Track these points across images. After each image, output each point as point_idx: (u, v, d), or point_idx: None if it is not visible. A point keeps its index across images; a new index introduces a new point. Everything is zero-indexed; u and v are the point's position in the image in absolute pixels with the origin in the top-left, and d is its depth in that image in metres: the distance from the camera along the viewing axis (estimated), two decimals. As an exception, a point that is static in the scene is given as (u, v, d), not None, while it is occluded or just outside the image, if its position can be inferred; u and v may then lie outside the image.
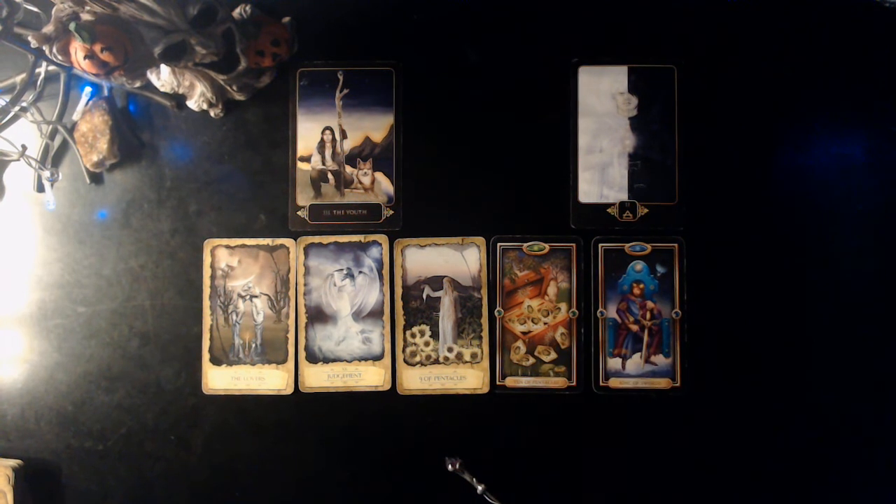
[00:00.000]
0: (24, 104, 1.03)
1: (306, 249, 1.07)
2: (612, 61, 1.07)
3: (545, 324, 1.07)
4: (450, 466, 1.03)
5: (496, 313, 1.07)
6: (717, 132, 1.07)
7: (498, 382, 1.06)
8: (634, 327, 1.06)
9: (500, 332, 1.07)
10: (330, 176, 1.08)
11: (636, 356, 1.06)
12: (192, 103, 1.05)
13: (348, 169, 1.08)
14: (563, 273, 1.07)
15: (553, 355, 1.07)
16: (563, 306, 1.07)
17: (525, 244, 1.07)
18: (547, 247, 1.07)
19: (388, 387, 1.07)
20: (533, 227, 1.07)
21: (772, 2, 1.07)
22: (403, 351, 1.07)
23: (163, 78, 1.02)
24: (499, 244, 1.07)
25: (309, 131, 1.08)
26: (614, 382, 1.06)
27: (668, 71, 1.07)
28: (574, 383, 1.06)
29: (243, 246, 1.07)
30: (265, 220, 1.08)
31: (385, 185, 1.08)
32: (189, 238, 1.08)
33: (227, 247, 1.07)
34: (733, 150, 1.07)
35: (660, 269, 1.07)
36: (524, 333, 1.07)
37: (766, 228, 1.06)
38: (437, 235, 1.07)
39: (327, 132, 1.08)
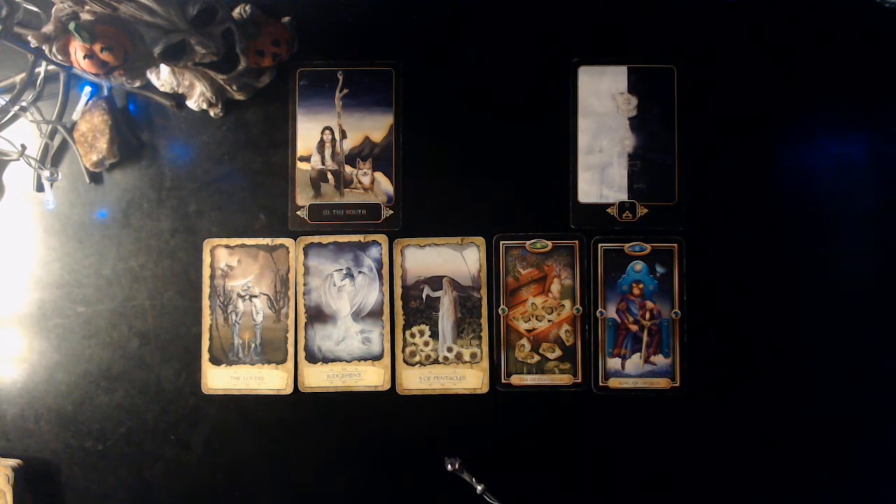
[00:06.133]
0: (23, 104, 1.03)
1: (306, 249, 1.07)
2: (612, 61, 1.07)
3: (549, 321, 1.07)
4: (449, 466, 1.03)
5: (500, 311, 1.07)
6: (717, 132, 1.07)
7: (503, 381, 1.06)
8: (634, 327, 1.06)
9: (505, 330, 1.07)
10: (329, 176, 1.08)
11: (636, 356, 1.06)
12: (192, 103, 1.05)
13: (348, 169, 1.08)
14: (567, 270, 1.07)
15: (558, 352, 1.07)
16: (567, 303, 1.07)
17: (528, 242, 1.07)
18: (550, 244, 1.07)
19: (387, 387, 1.07)
20: (533, 227, 1.07)
21: (772, 2, 1.07)
22: (403, 351, 1.07)
23: (163, 78, 1.02)
24: (501, 242, 1.07)
25: (309, 131, 1.08)
26: (614, 382, 1.06)
27: (668, 71, 1.07)
28: (580, 380, 1.06)
29: (243, 246, 1.07)
30: (265, 219, 1.08)
31: (385, 185, 1.08)
32: (189, 238, 1.08)
33: (227, 247, 1.07)
34: (733, 150, 1.07)
35: (659, 270, 1.06)
36: (528, 331, 1.07)
37: (765, 228, 1.06)
38: (436, 235, 1.07)
39: (327, 132, 1.08)
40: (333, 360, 1.07)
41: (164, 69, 1.01)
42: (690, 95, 1.07)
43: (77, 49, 0.88)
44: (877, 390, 1.06)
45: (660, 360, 1.06)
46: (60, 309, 1.07)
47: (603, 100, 1.07)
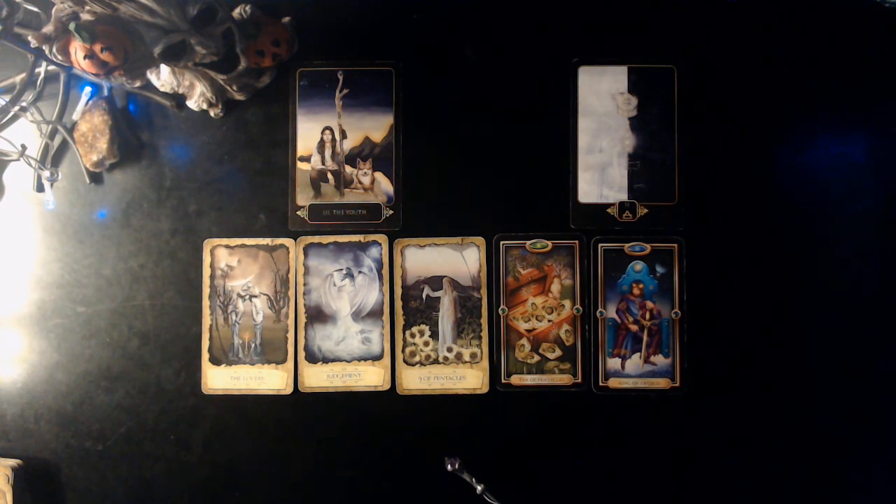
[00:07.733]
0: (23, 104, 1.03)
1: (306, 249, 1.08)
2: (612, 61, 1.07)
3: (549, 321, 1.07)
4: (449, 466, 1.03)
5: (500, 311, 1.07)
6: (717, 132, 1.07)
7: (503, 381, 1.06)
8: (634, 327, 1.06)
9: (505, 330, 1.07)
10: (330, 176, 1.08)
11: (636, 356, 1.06)
12: (192, 103, 1.05)
13: (348, 169, 1.08)
14: (567, 270, 1.07)
15: (558, 352, 1.07)
16: (567, 303, 1.07)
17: (528, 242, 1.07)
18: (550, 244, 1.07)
19: (387, 387, 1.07)
20: (533, 227, 1.07)
21: (772, 2, 1.07)
22: (403, 351, 1.07)
23: (163, 78, 1.02)
24: (502, 242, 1.07)
25: (309, 131, 1.08)
26: (614, 382, 1.06)
27: (668, 71, 1.07)
28: (580, 380, 1.06)
29: (243, 246, 1.07)
30: (265, 220, 1.08)
31: (385, 185, 1.08)
32: (189, 238, 1.08)
33: (227, 247, 1.07)
34: (733, 150, 1.07)
35: (659, 270, 1.06)
36: (528, 331, 1.07)
37: (765, 228, 1.06)
38: (436, 235, 1.07)
39: (327, 132, 1.08)
40: (333, 360, 1.07)
41: (164, 69, 1.01)
42: (690, 95, 1.07)
43: (77, 49, 0.88)
44: (877, 390, 1.06)
45: (660, 360, 1.06)
46: (60, 309, 1.07)
47: (603, 100, 1.07)
